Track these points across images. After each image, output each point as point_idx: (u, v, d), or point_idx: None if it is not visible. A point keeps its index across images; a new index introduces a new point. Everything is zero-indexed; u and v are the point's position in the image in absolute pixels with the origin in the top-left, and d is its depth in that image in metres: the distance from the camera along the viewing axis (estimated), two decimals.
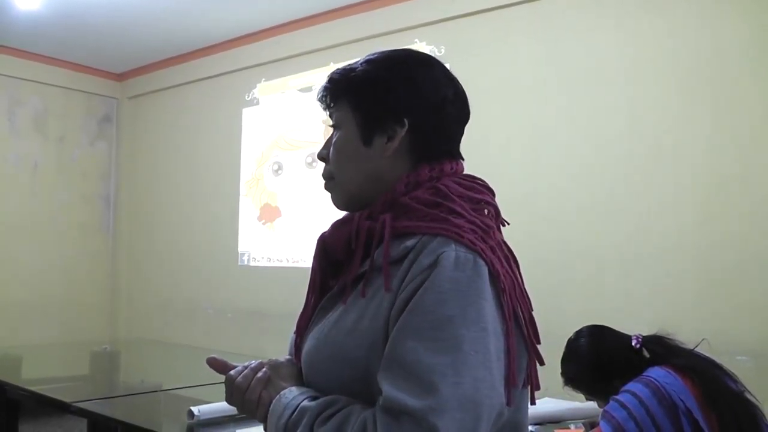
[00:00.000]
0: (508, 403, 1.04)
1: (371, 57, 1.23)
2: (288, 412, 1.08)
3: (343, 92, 1.21)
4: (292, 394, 1.11)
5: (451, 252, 1.04)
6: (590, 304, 3.88)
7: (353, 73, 1.21)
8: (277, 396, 1.12)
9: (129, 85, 7.23)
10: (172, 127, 6.83)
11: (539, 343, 1.13)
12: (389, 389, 0.98)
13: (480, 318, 1.01)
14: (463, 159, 1.24)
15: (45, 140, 6.76)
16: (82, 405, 2.75)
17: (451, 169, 1.19)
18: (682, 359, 2.05)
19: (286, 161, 5.78)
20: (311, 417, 1.04)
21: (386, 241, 1.10)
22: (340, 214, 1.24)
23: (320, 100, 1.26)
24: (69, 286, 6.81)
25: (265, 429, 1.14)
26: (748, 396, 2.02)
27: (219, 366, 1.20)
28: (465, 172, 1.23)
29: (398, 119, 1.16)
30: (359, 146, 1.19)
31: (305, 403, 1.08)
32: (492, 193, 1.20)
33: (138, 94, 7.17)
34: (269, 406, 1.11)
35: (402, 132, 1.16)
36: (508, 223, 1.21)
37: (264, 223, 5.91)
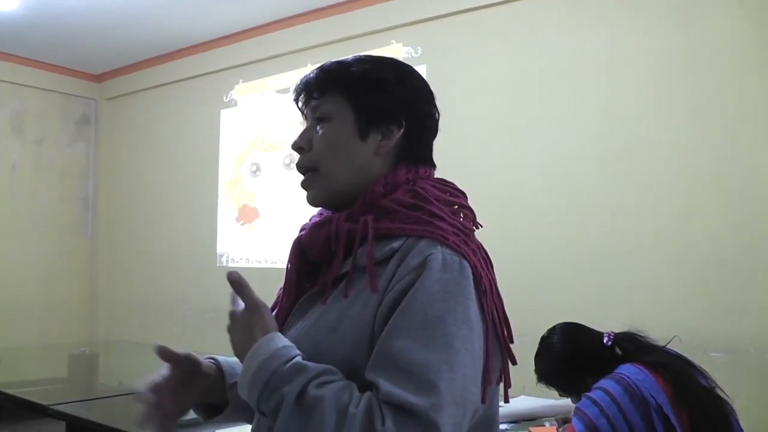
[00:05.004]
0: (483, 401, 1.06)
1: (364, 57, 1.24)
2: (277, 362, 1.03)
3: (337, 84, 1.20)
4: (281, 341, 1.07)
5: (438, 254, 1.06)
6: (566, 302, 3.89)
7: (352, 68, 1.21)
8: (265, 337, 1.08)
9: (107, 86, 7.19)
10: (150, 128, 6.80)
11: (512, 342, 1.15)
12: (388, 386, 0.97)
13: (467, 317, 1.04)
14: (435, 167, 1.26)
15: (23, 142, 6.70)
16: (60, 408, 2.75)
17: (425, 172, 1.22)
18: (653, 356, 2.07)
19: (264, 162, 5.78)
20: (307, 377, 1.00)
21: (369, 241, 1.11)
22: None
23: (303, 89, 1.24)
24: (47, 288, 6.75)
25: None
26: (719, 392, 2.05)
27: (166, 355, 1.25)
28: (437, 176, 1.25)
29: (396, 120, 1.19)
30: (354, 139, 1.19)
31: (300, 360, 1.04)
32: (465, 196, 1.22)
33: (116, 95, 7.13)
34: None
35: (398, 133, 1.19)
36: (482, 226, 1.22)
37: (242, 224, 5.91)
